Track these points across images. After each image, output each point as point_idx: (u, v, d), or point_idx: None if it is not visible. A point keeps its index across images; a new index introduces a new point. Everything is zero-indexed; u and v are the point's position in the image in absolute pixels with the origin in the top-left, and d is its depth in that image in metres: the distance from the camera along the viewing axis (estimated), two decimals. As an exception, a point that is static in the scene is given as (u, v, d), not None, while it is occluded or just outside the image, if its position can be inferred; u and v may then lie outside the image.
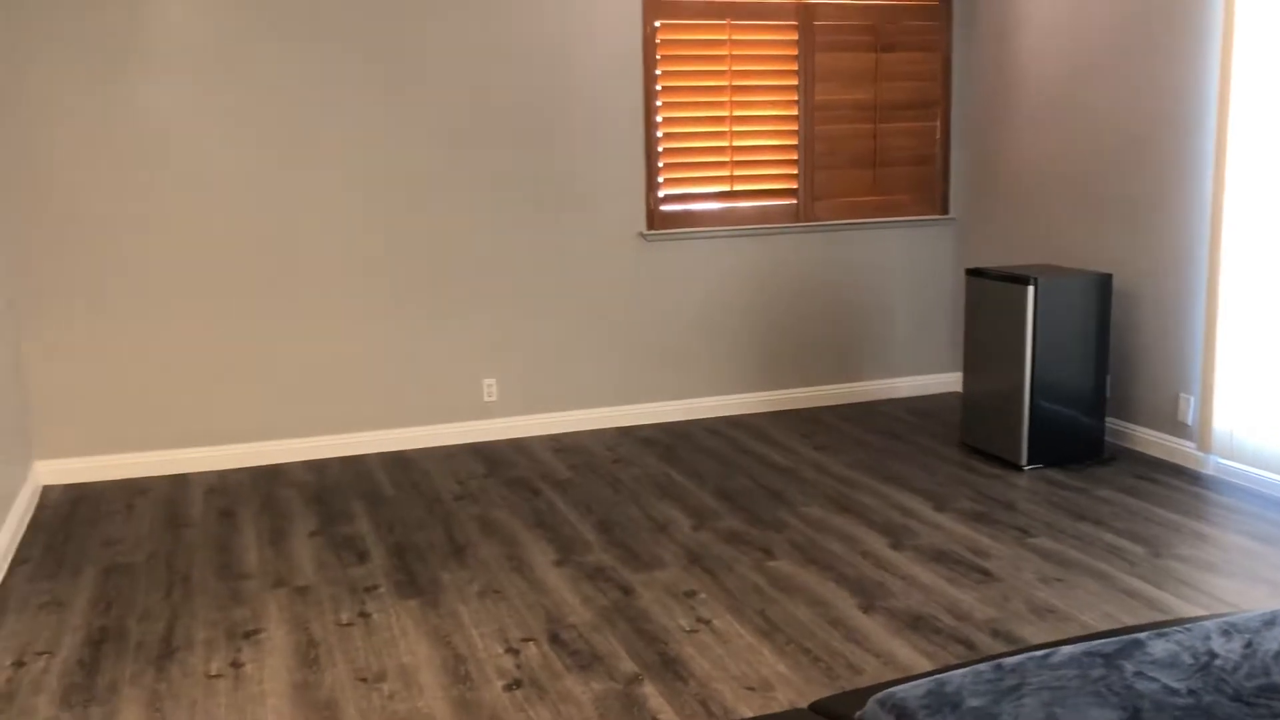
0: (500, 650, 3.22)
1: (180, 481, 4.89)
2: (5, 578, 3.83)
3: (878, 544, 4.00)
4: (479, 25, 5.16)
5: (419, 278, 5.25)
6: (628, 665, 3.11)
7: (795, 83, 5.71)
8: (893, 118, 5.93)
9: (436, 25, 5.09)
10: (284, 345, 5.10)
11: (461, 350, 5.37)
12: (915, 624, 3.34)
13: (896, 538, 4.06)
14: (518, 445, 5.36)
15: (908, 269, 6.11)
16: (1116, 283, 5.02)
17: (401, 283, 5.23)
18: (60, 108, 4.66)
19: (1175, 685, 1.82)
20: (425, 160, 5.18)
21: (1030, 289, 4.70)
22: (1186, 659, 1.91)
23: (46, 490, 4.79)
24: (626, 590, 3.63)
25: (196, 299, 4.95)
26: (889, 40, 5.85)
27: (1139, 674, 1.86)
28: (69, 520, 4.42)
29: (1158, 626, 2.15)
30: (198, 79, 4.82)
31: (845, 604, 3.50)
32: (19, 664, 3.20)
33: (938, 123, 6.04)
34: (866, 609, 3.46)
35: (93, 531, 4.28)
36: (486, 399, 5.44)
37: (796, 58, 5.70)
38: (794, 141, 5.76)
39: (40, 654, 3.26)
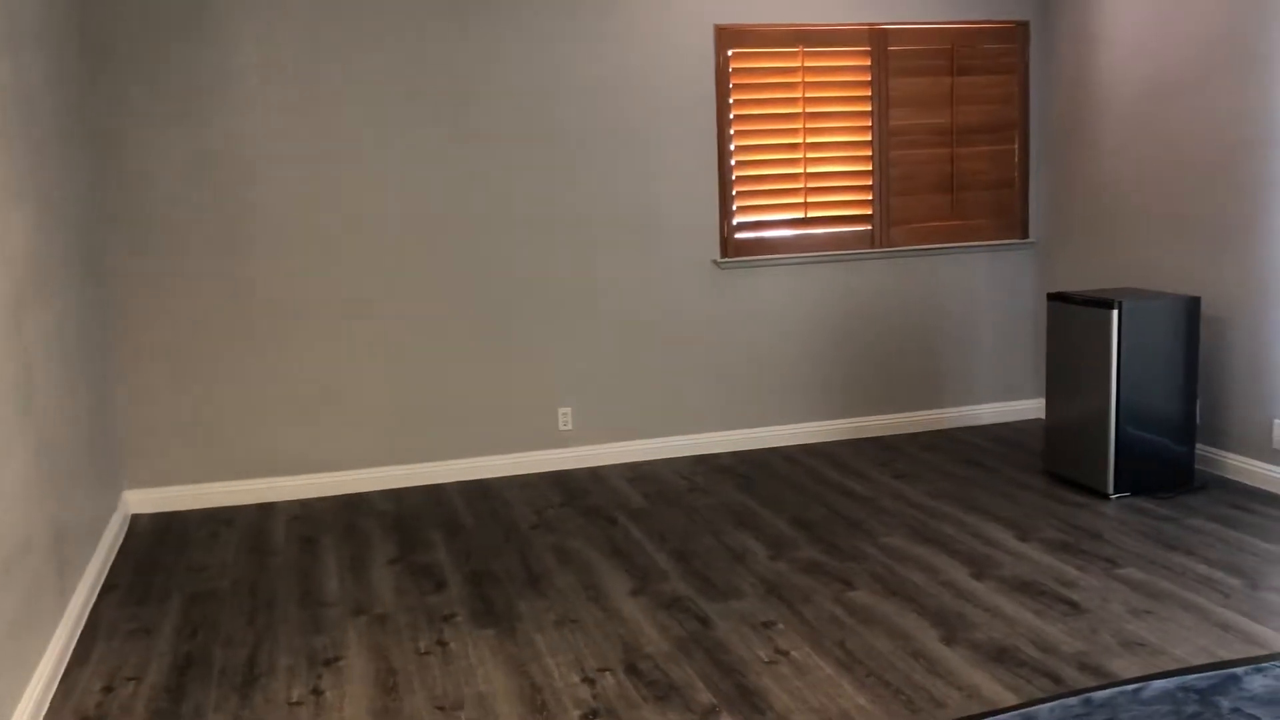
0: (577, 680, 3.21)
1: (264, 510, 4.98)
2: (95, 604, 3.93)
3: (960, 574, 3.92)
4: (551, 58, 5.22)
5: (496, 308, 5.31)
6: (705, 696, 3.08)
7: (869, 108, 5.68)
8: (970, 141, 5.86)
9: (509, 57, 5.17)
10: (364, 376, 5.18)
11: (538, 379, 5.41)
12: (999, 656, 3.26)
13: (979, 568, 3.97)
14: (594, 474, 5.37)
15: (988, 294, 6.01)
16: (1205, 306, 4.88)
17: (479, 313, 5.29)
18: (153, 145, 4.81)
19: (1276, 723, 1.75)
20: (500, 192, 5.24)
21: (1114, 313, 4.59)
22: (1287, 696, 1.84)
23: (135, 519, 4.91)
24: (704, 620, 3.60)
25: (280, 332, 5.05)
26: (964, 64, 5.79)
27: (1236, 710, 1.79)
28: (157, 548, 4.52)
29: (1255, 661, 2.06)
30: (282, 117, 4.94)
31: (927, 636, 3.43)
32: (108, 689, 3.27)
33: (1015, 146, 5.95)
34: (949, 641, 3.38)
35: (179, 559, 4.38)
36: (563, 428, 5.46)
37: (870, 83, 5.66)
38: (869, 167, 5.72)
39: (129, 679, 3.33)
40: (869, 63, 5.65)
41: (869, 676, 3.17)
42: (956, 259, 5.93)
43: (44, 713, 3.11)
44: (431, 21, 5.06)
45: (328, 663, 3.39)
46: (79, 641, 3.61)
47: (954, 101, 5.81)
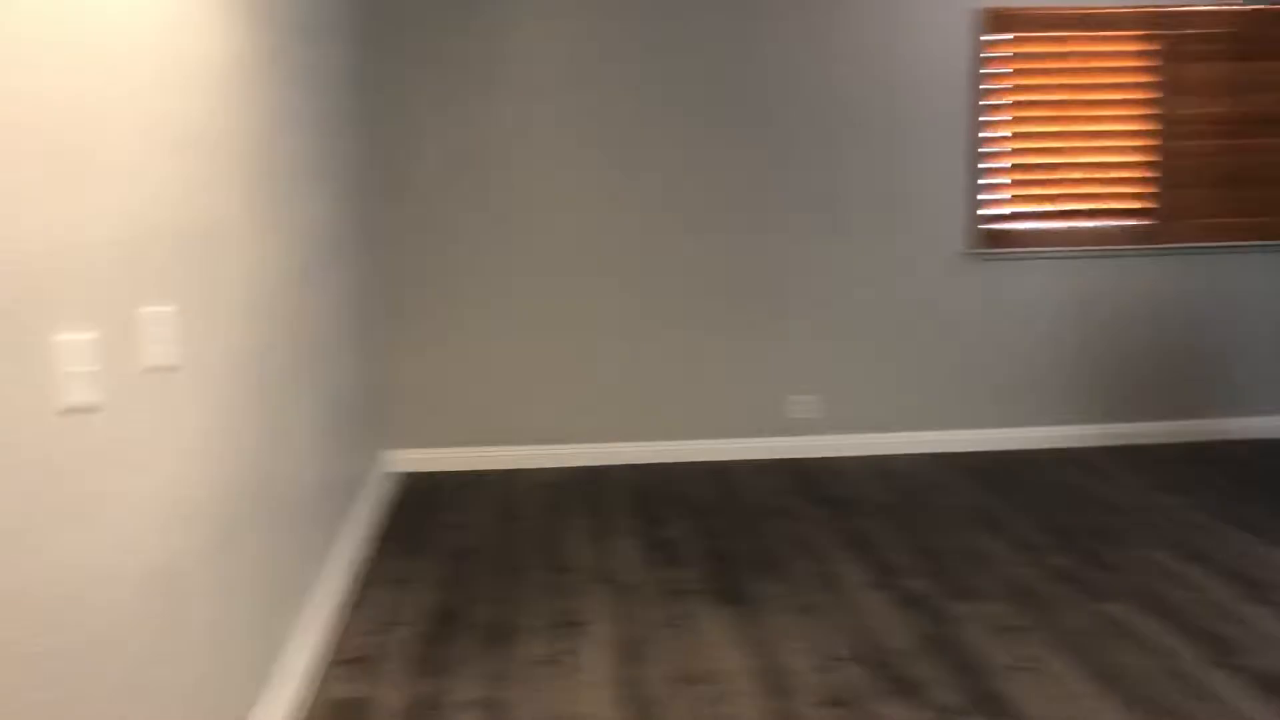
0: (816, 667, 3.19)
1: (514, 476, 5.20)
2: (363, 554, 4.22)
3: (1230, 595, 3.65)
4: (800, 38, 5.17)
5: (740, 292, 5.33)
6: (948, 697, 3.00)
7: (1147, 95, 5.34)
8: (1262, 132, 5.42)
9: (757, 39, 5.16)
10: (609, 355, 5.31)
11: (780, 365, 5.40)
12: (1276, 686, 3.02)
13: (1254, 590, 3.69)
14: (833, 464, 5.32)
15: (1275, 298, 5.55)
16: None
17: (722, 297, 5.33)
18: (428, 124, 5.09)
19: None
20: (747, 177, 5.25)
21: None
22: None
23: (402, 477, 5.23)
24: (947, 620, 3.50)
25: (533, 310, 5.25)
26: (1255, 49, 5.35)
27: None
28: (418, 505, 4.80)
29: None
30: (546, 98, 5.12)
31: (1191, 656, 3.21)
32: (373, 633, 3.50)
33: (1314, 138, 5.46)
34: (1216, 664, 3.16)
35: (436, 517, 4.63)
36: (804, 415, 5.43)
37: (1149, 69, 5.32)
38: (1144, 158, 5.38)
39: (391, 625, 3.55)
40: (1147, 47, 5.31)
41: (1125, 692, 3.00)
42: (1241, 259, 5.50)
43: (318, 650, 3.37)
44: (682, 4, 5.11)
45: (572, 626, 3.51)
46: (349, 587, 3.88)
47: (1243, 90, 5.38)
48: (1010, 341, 5.48)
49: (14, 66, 1.55)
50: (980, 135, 5.30)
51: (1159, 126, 5.36)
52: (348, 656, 3.33)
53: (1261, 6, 5.29)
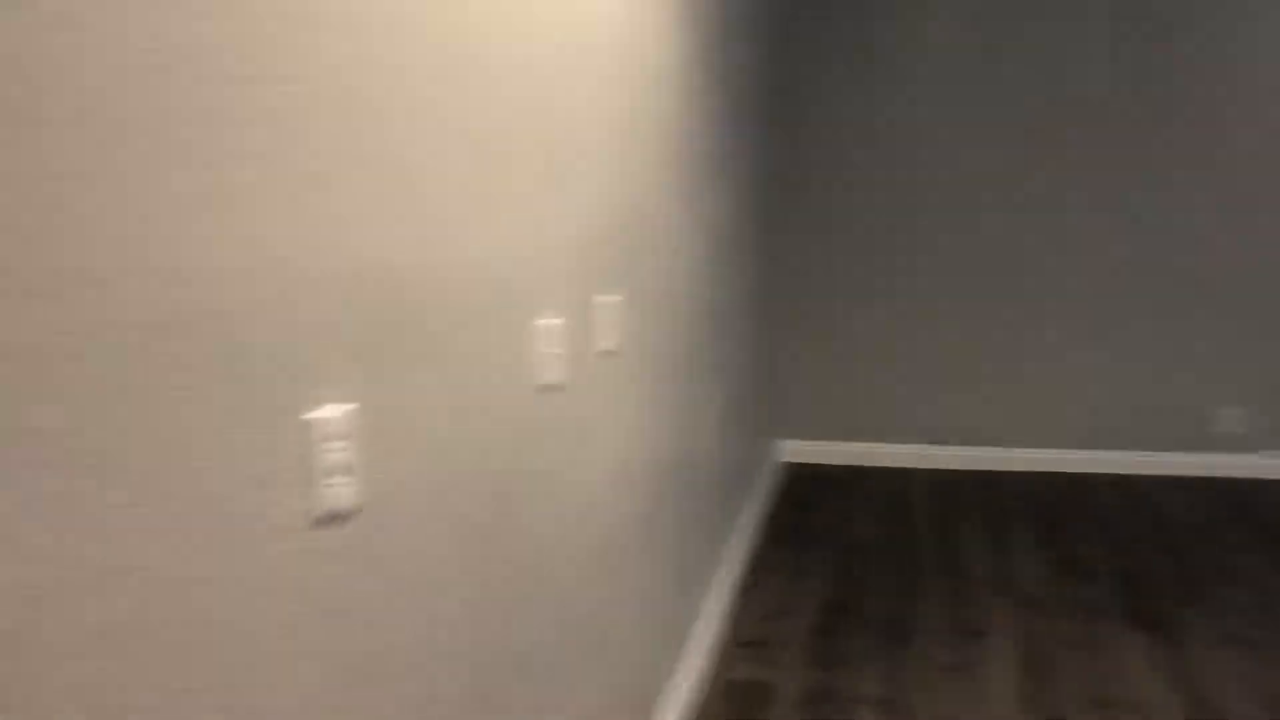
0: (1256, 708, 2.89)
1: (901, 474, 5.11)
2: (755, 540, 4.31)
3: None
4: (1238, 42, 4.67)
5: (1156, 295, 4.92)
6: None
7: None
8: None
9: (1220, 34, 4.71)
10: (1003, 354, 5.09)
11: (1200, 376, 4.93)
12: None
13: None
14: (1266, 485, 4.80)
15: None
16: None
17: (1136, 300, 4.94)
18: (823, 121, 5.10)
19: None
20: (1182, 174, 4.82)
21: None
22: None
23: (787, 467, 5.30)
24: None
25: (927, 306, 5.13)
26: None
27: None
28: (807, 496, 4.84)
29: None
30: (952, 88, 4.97)
31: None
32: (768, 619, 3.57)
33: None
34: None
35: (826, 509, 4.65)
36: (1229, 430, 4.93)
37: None
38: None
39: (786, 613, 3.60)
40: None
41: None
42: None
43: (719, 630, 3.48)
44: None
45: (973, 634, 3.39)
46: (744, 571, 3.98)
47: None
48: None
49: (508, 87, 1.71)
50: None
51: None
52: (745, 639, 3.42)
53: None
